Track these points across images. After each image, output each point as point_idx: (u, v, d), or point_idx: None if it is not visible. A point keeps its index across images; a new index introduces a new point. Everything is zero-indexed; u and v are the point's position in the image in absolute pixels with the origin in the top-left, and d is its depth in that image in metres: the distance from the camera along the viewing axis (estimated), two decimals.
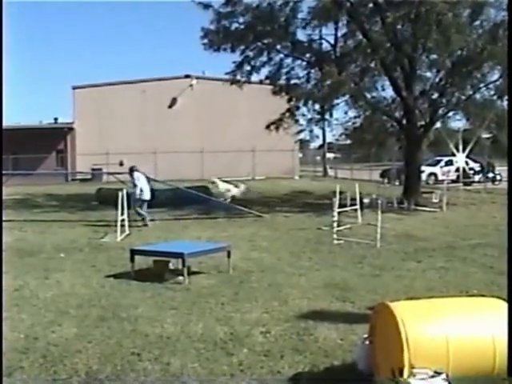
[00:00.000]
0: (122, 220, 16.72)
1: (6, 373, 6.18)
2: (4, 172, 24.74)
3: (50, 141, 53.74)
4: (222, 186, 23.83)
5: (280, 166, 51.78)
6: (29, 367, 6.36)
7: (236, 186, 25.47)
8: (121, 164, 46.73)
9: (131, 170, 19.99)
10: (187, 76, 54.67)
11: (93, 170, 47.50)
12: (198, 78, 54.37)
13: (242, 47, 26.96)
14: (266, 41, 26.74)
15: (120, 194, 17.06)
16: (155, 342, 7.06)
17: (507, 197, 16.71)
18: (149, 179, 20.82)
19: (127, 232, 16.68)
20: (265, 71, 28.50)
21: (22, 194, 33.85)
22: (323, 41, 27.87)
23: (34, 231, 18.17)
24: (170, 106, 54.48)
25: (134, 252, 10.93)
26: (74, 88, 54.97)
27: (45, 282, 10.58)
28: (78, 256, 13.44)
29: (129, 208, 17.66)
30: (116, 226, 16.42)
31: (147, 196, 19.58)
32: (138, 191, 19.23)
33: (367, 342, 5.97)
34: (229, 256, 11.19)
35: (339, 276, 10.83)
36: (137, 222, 18.57)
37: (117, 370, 6.25)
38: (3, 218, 20.56)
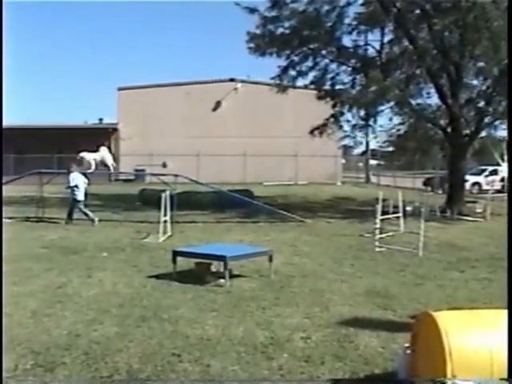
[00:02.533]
0: (165, 221, 16.80)
1: (49, 368, 6.27)
2: (49, 171, 25.06)
3: (94, 141, 54.10)
4: (89, 157, 23.18)
5: (322, 172, 51.63)
6: (71, 363, 6.43)
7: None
8: (164, 165, 47.08)
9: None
10: (232, 79, 54.84)
11: (136, 170, 47.86)
12: (242, 81, 54.49)
13: (288, 52, 26.96)
14: (311, 46, 26.72)
15: (163, 195, 17.15)
16: (196, 344, 7.07)
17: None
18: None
19: (169, 233, 16.77)
20: (310, 76, 28.49)
21: (66, 192, 34.16)
22: (369, 47, 27.79)
23: (78, 230, 18.39)
24: (215, 109, 54.66)
25: (176, 253, 10.99)
26: (120, 89, 55.44)
27: (87, 281, 10.69)
28: (120, 256, 13.55)
29: (172, 210, 17.76)
30: (158, 226, 16.53)
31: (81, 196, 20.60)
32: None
33: (408, 351, 5.92)
34: (271, 260, 11.19)
35: (381, 283, 10.75)
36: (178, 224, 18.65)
37: (157, 370, 6.27)
38: (48, 216, 20.93)
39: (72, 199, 20.45)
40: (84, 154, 21.80)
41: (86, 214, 20.23)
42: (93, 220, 19.92)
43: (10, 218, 20.47)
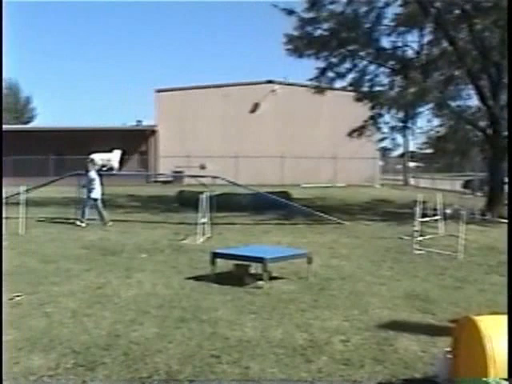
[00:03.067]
0: (203, 223, 16.85)
1: (90, 367, 6.32)
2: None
3: (133, 142, 54.67)
4: (99, 158, 23.23)
5: (361, 174, 51.41)
6: (111, 363, 6.46)
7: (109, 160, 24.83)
8: (202, 167, 47.31)
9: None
10: (269, 81, 54.85)
11: (174, 172, 48.10)
12: (280, 83, 54.48)
13: (326, 53, 26.92)
14: (349, 47, 26.64)
15: (202, 196, 17.20)
16: (235, 346, 7.08)
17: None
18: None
19: (208, 235, 16.82)
20: (348, 78, 28.42)
21: (105, 193, 34.50)
22: (407, 48, 27.63)
23: (117, 231, 18.53)
24: (252, 111, 54.73)
25: (215, 255, 11.01)
26: (158, 91, 55.76)
27: (126, 281, 10.76)
28: (158, 257, 13.62)
29: (210, 211, 17.80)
30: (197, 228, 16.59)
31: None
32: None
33: (449, 356, 5.85)
34: (309, 262, 11.17)
35: (420, 287, 10.66)
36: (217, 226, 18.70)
37: (196, 371, 6.28)
38: (87, 217, 21.12)
39: (87, 198, 20.67)
40: (94, 156, 22.09)
41: (100, 214, 20.45)
42: (105, 221, 20.16)
43: (53, 219, 20.72)
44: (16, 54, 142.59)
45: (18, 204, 19.29)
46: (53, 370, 6.26)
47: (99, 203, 20.54)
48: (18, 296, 9.33)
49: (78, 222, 19.84)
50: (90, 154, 49.95)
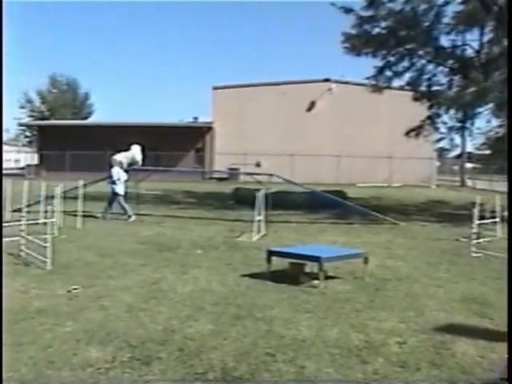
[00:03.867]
0: (259, 220, 16.86)
1: (146, 362, 6.36)
2: (145, 168, 25.58)
3: (189, 139, 55.10)
4: (124, 156, 23.17)
5: (417, 174, 50.93)
6: (166, 358, 6.49)
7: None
8: (258, 165, 47.37)
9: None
10: (326, 79, 54.72)
11: (230, 169, 48.31)
12: (336, 81, 54.30)
13: (384, 52, 26.73)
14: (408, 46, 26.41)
15: (258, 194, 17.21)
16: (290, 344, 7.05)
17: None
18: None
19: (263, 232, 16.83)
20: (406, 77, 28.17)
21: (161, 189, 34.92)
22: (467, 47, 27.26)
23: (172, 226, 18.68)
24: (309, 109, 54.65)
25: (270, 253, 11.00)
26: (215, 88, 56.08)
27: (182, 277, 10.82)
28: (214, 253, 13.67)
29: (266, 209, 17.80)
30: (252, 225, 16.61)
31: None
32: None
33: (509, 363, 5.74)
34: (365, 262, 11.09)
35: (477, 290, 10.49)
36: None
37: (251, 368, 6.27)
38: (144, 212, 21.35)
39: (112, 193, 21.04)
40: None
41: (123, 209, 20.73)
42: (130, 215, 20.42)
43: (111, 213, 21.02)
44: (76, 51, 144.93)
45: (75, 198, 19.57)
46: (109, 362, 6.32)
47: (122, 199, 20.77)
48: (75, 289, 9.46)
49: (131, 219, 20.11)
50: (154, 150, 50.62)
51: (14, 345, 6.79)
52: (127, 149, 22.75)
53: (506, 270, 9.34)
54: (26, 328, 7.45)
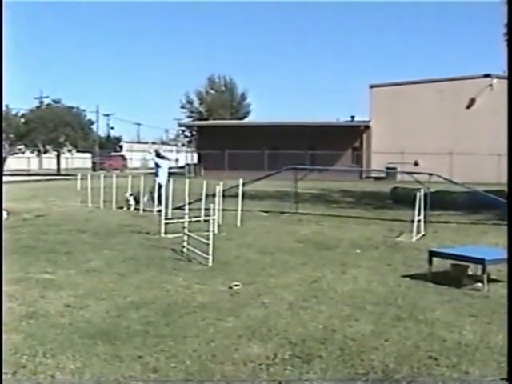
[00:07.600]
0: (418, 220, 16.55)
1: (306, 360, 6.38)
2: (302, 167, 25.77)
3: (346, 138, 55.03)
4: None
5: None
6: (327, 357, 6.49)
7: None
8: (416, 164, 46.66)
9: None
10: (487, 75, 52.97)
11: (387, 168, 47.80)
12: (498, 77, 52.41)
13: None
14: None
15: (418, 193, 16.90)
16: (453, 349, 6.86)
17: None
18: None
19: (422, 233, 16.51)
20: None
21: (318, 188, 35.06)
22: None
23: (330, 226, 18.67)
24: (468, 107, 53.15)
25: (432, 254, 10.78)
26: (372, 86, 55.73)
27: (341, 277, 10.79)
28: (373, 253, 13.55)
29: (425, 209, 17.45)
30: (411, 225, 16.34)
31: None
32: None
33: None
34: None
35: None
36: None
37: (413, 371, 6.15)
38: (302, 211, 21.50)
39: (156, 184, 21.66)
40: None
41: (159, 198, 20.09)
42: (157, 209, 19.99)
43: (266, 212, 21.32)
44: (232, 51, 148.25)
45: (234, 197, 19.96)
46: (271, 359, 6.40)
47: (163, 190, 20.40)
48: (236, 285, 9.65)
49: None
50: (311, 149, 51.30)
51: (178, 337, 7.03)
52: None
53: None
54: (189, 322, 7.69)
